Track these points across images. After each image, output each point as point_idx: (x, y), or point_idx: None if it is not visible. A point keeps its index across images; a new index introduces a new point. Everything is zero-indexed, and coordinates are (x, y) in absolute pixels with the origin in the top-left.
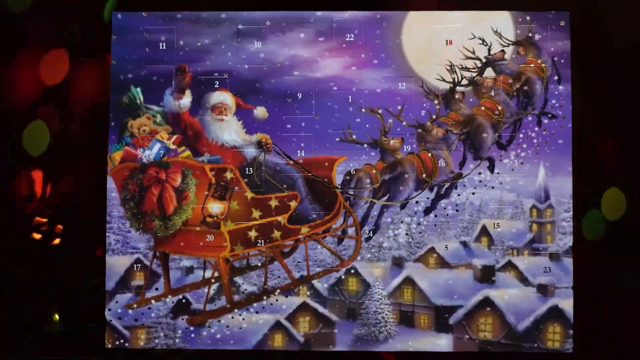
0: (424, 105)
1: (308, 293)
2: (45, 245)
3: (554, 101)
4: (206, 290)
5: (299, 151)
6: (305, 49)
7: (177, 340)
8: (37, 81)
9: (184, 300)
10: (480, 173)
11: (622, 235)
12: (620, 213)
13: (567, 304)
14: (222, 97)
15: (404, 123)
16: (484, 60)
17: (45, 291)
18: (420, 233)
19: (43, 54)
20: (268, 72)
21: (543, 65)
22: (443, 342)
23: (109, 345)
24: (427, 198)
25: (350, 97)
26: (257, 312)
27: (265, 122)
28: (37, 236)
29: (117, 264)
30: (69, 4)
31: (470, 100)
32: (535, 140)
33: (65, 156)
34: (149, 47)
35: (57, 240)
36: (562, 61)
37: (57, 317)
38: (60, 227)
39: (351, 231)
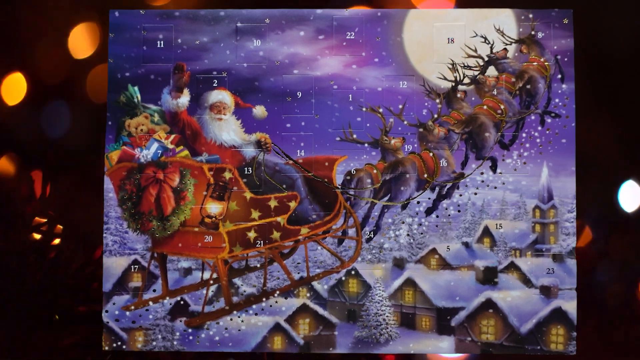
0: (426, 104)
1: (308, 295)
2: (44, 246)
3: (557, 100)
4: (204, 291)
5: (298, 151)
6: (305, 47)
7: (175, 343)
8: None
9: (182, 302)
10: (482, 173)
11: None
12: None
13: (570, 306)
14: (221, 95)
15: (405, 122)
16: (486, 59)
17: (44, 292)
18: (422, 234)
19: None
20: (267, 71)
21: (546, 63)
22: (445, 344)
23: (106, 348)
24: (429, 198)
25: (350, 95)
26: (256, 314)
27: (264, 121)
28: (37, 236)
29: (114, 265)
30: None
31: (473, 99)
32: (538, 140)
33: (62, 156)
34: (146, 45)
35: (56, 241)
36: (566, 59)
37: (56, 317)
38: (60, 227)
39: (352, 232)
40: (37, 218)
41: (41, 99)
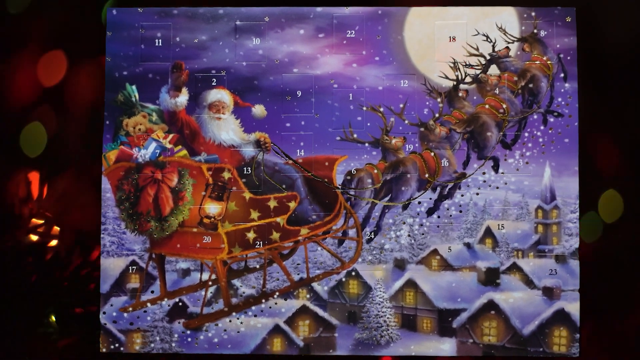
0: (427, 103)
1: (308, 296)
2: (42, 247)
3: (560, 99)
4: (203, 293)
5: (298, 150)
6: (304, 45)
7: (173, 345)
8: (34, 82)
9: (180, 304)
10: (484, 173)
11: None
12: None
13: (573, 307)
14: (220, 94)
15: (406, 121)
16: (488, 57)
17: (41, 293)
18: (423, 234)
19: (40, 55)
20: (267, 69)
21: (549, 62)
22: (446, 347)
23: (104, 350)
24: (430, 198)
25: (351, 94)
26: (255, 316)
27: (263, 120)
28: (34, 238)
29: (112, 266)
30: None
31: (474, 98)
32: (540, 139)
33: (59, 156)
34: (144, 44)
35: (53, 242)
36: (569, 58)
37: (53, 319)
38: (57, 229)
39: (352, 232)
40: (34, 220)
41: (39, 100)
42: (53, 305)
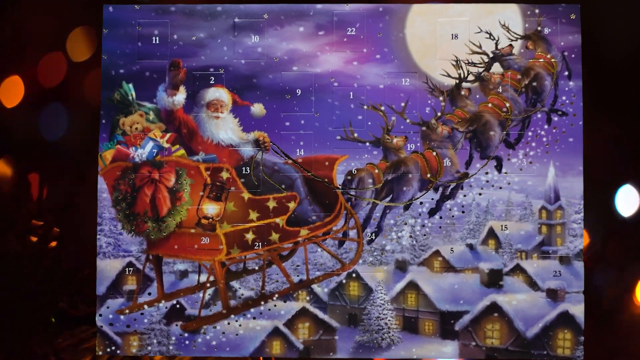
0: (429, 102)
1: (307, 298)
2: (41, 249)
3: (564, 98)
4: (201, 295)
5: (298, 150)
6: (304, 43)
7: (170, 347)
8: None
9: (178, 306)
10: (487, 173)
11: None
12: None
13: (577, 310)
14: (218, 93)
15: (408, 120)
16: (491, 55)
17: (40, 295)
18: (425, 235)
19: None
20: (266, 68)
21: (553, 60)
22: (448, 349)
23: (100, 352)
24: (432, 199)
25: (351, 93)
26: (254, 318)
27: (262, 119)
28: (33, 239)
29: (108, 267)
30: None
31: (477, 96)
32: (544, 139)
33: (59, 158)
34: (141, 41)
35: (53, 243)
36: (573, 56)
37: (53, 320)
38: (56, 229)
39: (352, 233)
40: (33, 221)
41: (39, 102)
42: (52, 307)
